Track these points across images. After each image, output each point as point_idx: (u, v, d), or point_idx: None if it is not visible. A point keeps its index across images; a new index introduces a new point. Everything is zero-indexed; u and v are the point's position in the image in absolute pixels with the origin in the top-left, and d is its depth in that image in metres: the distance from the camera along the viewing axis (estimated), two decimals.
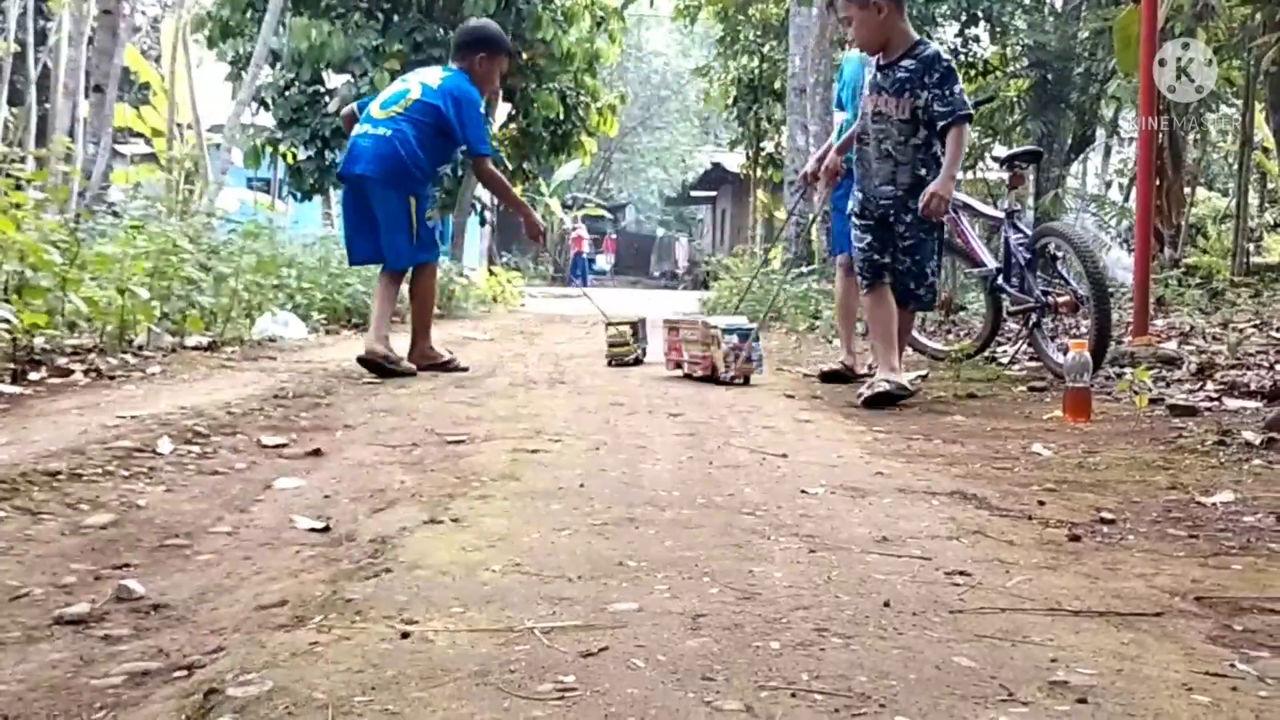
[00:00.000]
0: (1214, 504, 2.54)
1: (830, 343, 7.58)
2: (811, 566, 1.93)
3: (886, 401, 4.19)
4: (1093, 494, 2.67)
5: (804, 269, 12.82)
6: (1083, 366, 3.99)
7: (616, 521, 2.21)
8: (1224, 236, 10.13)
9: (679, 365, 5.28)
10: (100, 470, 2.63)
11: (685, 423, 3.78)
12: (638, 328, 6.06)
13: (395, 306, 5.46)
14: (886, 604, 1.70)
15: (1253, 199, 8.00)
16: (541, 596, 1.68)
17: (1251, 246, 9.71)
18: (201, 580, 1.86)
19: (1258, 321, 6.57)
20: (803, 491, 2.60)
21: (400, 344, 5.42)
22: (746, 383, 4.92)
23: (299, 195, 13.41)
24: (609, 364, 5.85)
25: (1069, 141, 16.29)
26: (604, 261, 36.30)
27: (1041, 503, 2.54)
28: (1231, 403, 4.15)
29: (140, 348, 5.46)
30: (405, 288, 5.57)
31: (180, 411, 3.68)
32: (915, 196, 4.37)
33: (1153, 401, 4.24)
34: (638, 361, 5.88)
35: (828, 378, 5.17)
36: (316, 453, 3.09)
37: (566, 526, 2.16)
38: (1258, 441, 3.28)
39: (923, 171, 4.42)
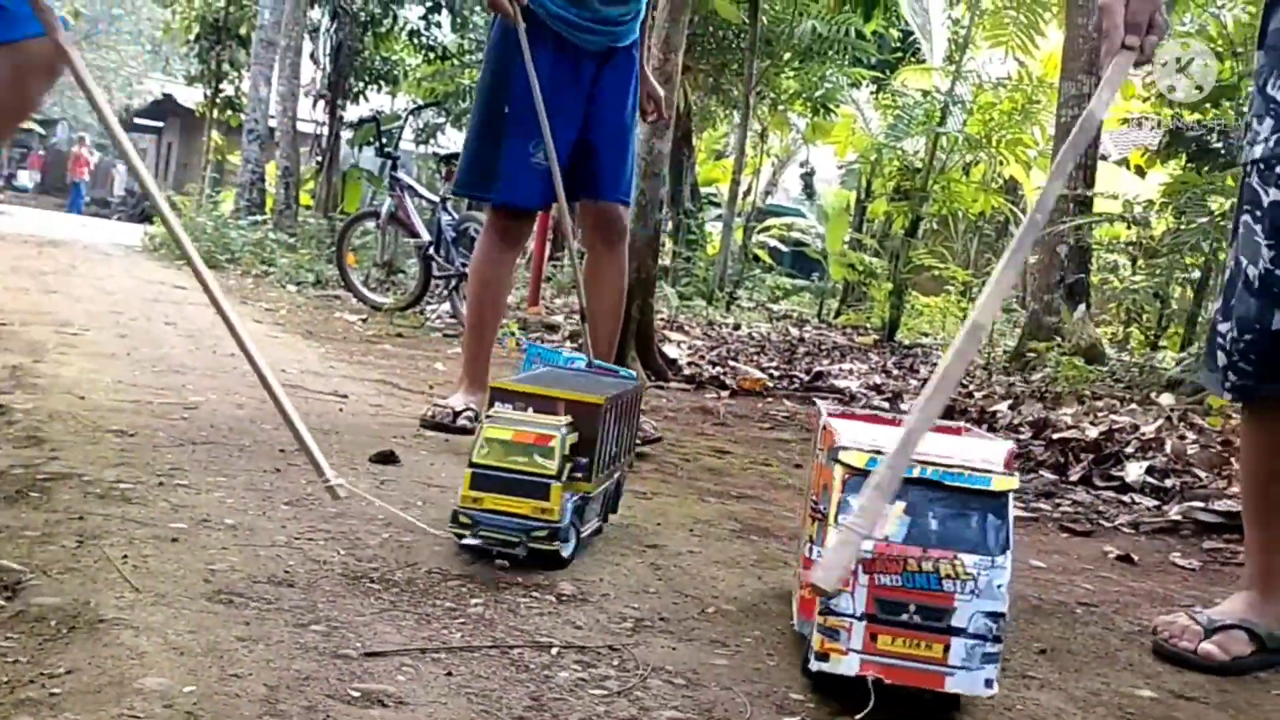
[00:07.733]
0: None
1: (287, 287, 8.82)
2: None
3: None
4: None
5: (258, 217, 13.77)
6: None
7: (165, 371, 3.49)
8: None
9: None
10: None
11: (183, 317, 4.98)
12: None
13: None
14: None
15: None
16: (149, 391, 2.98)
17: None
18: None
19: None
20: (284, 370, 4.02)
21: None
22: None
23: None
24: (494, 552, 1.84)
25: None
26: (27, 178, 33.40)
27: (431, 387, 4.20)
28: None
29: None
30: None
31: None
32: None
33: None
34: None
35: None
36: None
37: (136, 367, 3.41)
38: None
39: None
